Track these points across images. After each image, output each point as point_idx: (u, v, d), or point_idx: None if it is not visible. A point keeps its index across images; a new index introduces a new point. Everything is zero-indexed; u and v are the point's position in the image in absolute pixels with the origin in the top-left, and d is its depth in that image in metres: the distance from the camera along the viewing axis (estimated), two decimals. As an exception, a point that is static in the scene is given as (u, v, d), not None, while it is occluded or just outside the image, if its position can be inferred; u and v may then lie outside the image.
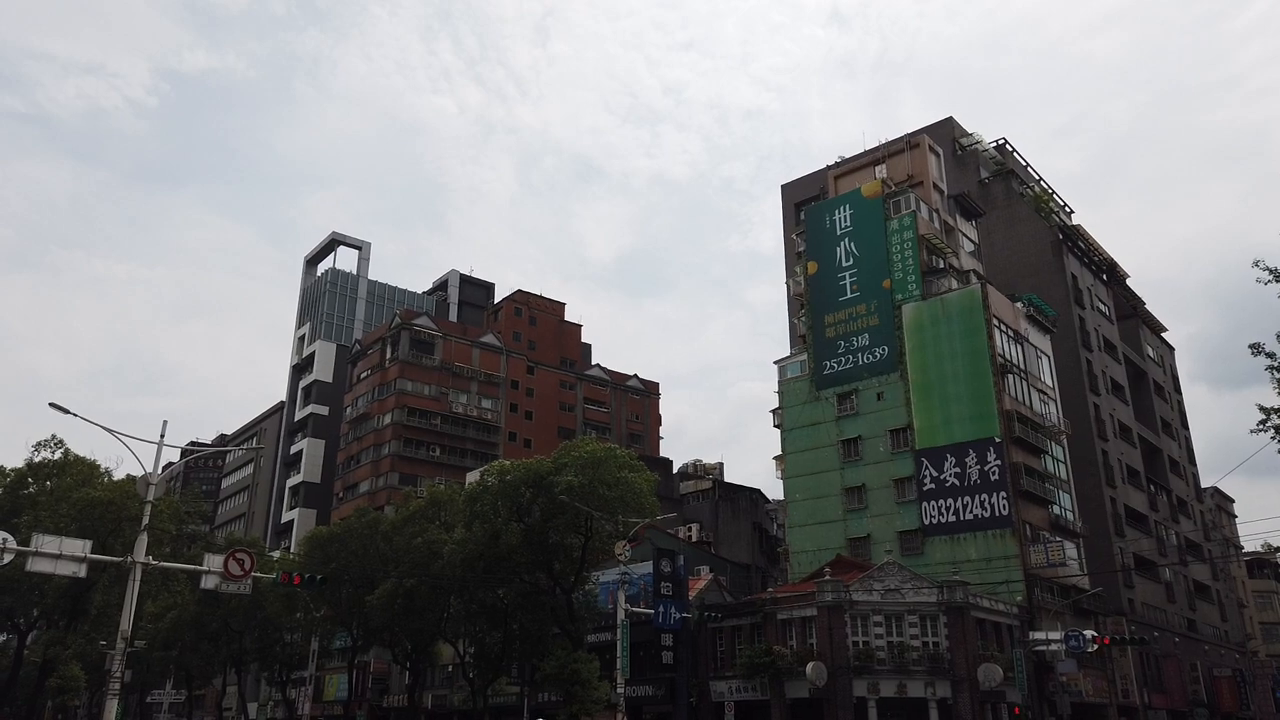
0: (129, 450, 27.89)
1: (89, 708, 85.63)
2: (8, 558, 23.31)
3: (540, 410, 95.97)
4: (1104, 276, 72.89)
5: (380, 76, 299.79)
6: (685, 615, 42.70)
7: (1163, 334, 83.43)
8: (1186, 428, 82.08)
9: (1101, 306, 70.47)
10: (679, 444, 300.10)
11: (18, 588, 49.49)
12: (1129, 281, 78.60)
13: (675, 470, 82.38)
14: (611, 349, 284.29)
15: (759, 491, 76.80)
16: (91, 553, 25.08)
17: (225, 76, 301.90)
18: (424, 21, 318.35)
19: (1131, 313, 77.07)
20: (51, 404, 25.23)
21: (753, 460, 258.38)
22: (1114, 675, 51.20)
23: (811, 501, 55.29)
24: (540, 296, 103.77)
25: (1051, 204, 73.84)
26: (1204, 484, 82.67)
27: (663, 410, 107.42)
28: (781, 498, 62.36)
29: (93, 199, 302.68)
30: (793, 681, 41.56)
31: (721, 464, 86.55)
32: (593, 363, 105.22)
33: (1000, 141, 78.75)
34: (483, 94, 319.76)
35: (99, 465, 52.36)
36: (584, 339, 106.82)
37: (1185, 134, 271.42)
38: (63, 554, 24.08)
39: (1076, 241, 69.55)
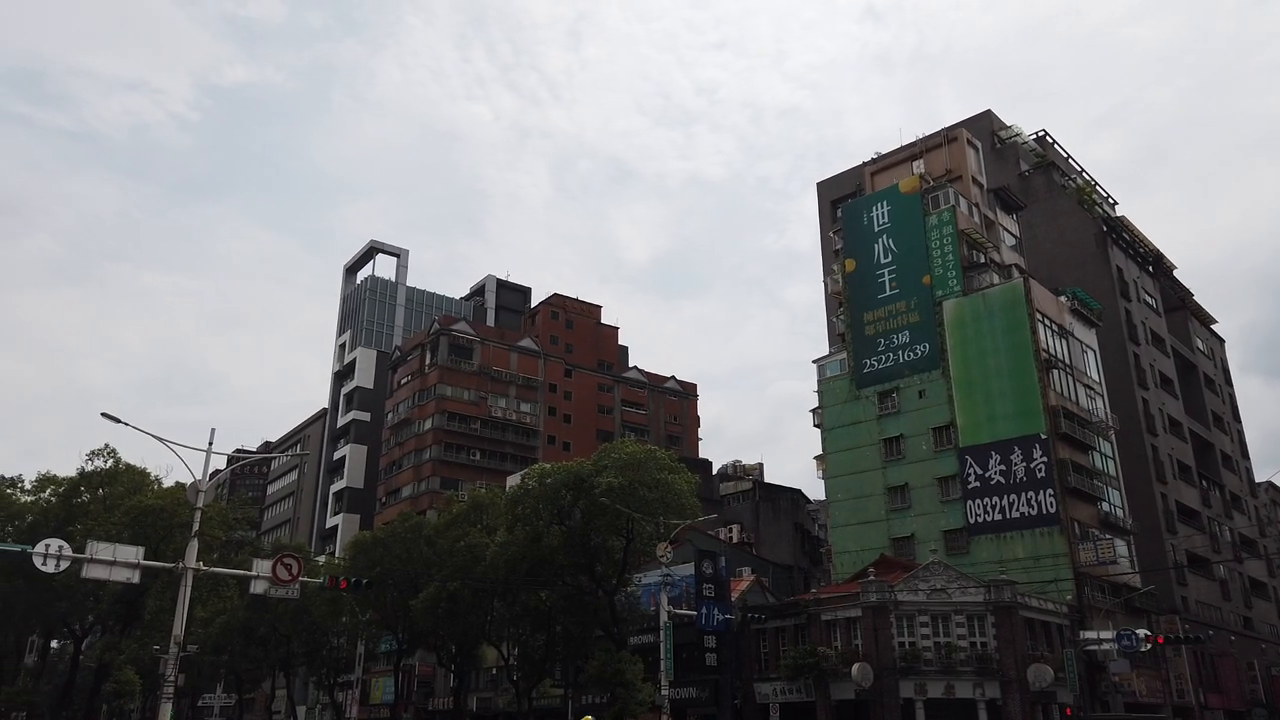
0: (178, 458, 28.47)
1: (143, 712, 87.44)
2: (64, 565, 23.84)
3: (578, 413, 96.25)
4: (1150, 268, 71.49)
5: (416, 85, 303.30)
6: (728, 617, 42.54)
7: (1212, 325, 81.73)
8: (1239, 421, 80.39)
9: (1148, 299, 69.11)
10: (718, 445, 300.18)
11: (73, 594, 50.75)
12: (1176, 273, 77.10)
13: (715, 471, 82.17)
14: (649, 351, 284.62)
15: (800, 492, 76.30)
16: (144, 559, 25.58)
17: (265, 89, 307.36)
18: (458, 29, 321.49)
19: (1179, 304, 75.56)
20: (104, 414, 25.68)
21: (793, 460, 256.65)
22: (1168, 675, 50.16)
23: (854, 501, 54.84)
24: (577, 300, 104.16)
25: (1094, 195, 72.53)
26: (1258, 478, 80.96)
27: (701, 411, 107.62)
28: (823, 498, 61.93)
29: (139, 213, 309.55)
30: (838, 683, 41.21)
31: (761, 464, 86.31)
32: (630, 365, 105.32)
33: (1040, 133, 77.63)
34: (517, 99, 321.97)
35: (149, 473, 53.70)
36: (621, 341, 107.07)
37: (1231, 120, 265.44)
38: (116, 561, 24.57)
39: (1121, 233, 68.28)
